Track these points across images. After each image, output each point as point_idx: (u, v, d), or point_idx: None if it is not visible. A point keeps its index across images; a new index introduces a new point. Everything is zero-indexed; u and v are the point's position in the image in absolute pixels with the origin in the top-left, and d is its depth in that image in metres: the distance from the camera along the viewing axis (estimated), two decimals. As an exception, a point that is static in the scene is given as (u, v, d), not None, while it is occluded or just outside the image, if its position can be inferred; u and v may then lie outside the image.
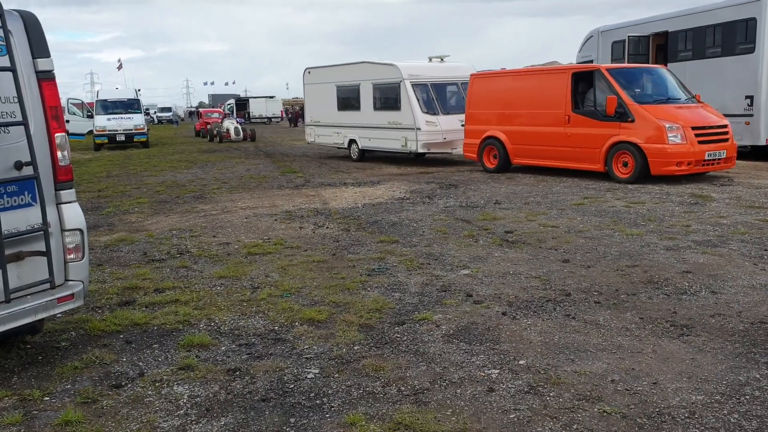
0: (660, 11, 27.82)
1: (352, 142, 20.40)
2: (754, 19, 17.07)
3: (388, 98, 19.07)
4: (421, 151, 17.97)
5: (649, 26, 20.91)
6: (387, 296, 5.92)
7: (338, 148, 21.48)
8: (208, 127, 36.94)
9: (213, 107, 74.70)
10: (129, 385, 4.22)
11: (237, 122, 35.73)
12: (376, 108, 19.49)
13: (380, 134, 19.14)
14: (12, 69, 4.18)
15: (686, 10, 19.82)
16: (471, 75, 17.17)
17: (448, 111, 18.31)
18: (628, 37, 20.82)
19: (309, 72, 22.50)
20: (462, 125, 17.13)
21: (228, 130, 32.54)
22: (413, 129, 17.84)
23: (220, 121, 38.28)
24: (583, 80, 14.25)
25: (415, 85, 18.25)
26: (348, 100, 20.71)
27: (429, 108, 18.12)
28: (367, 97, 19.76)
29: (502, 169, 15.60)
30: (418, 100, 18.05)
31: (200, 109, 52.13)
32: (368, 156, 20.54)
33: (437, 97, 18.48)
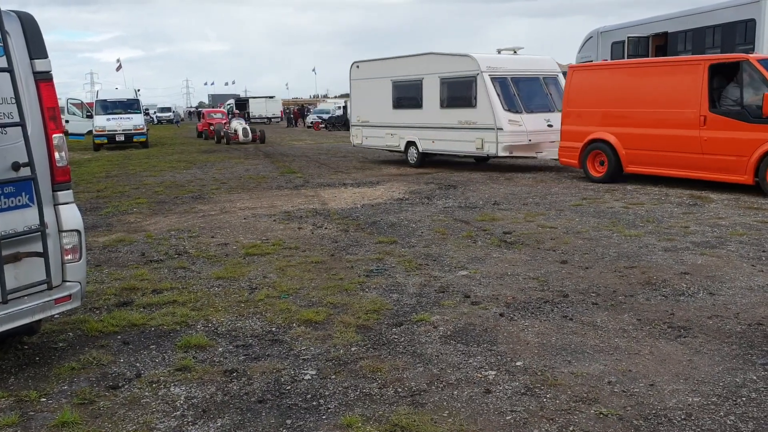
0: (661, 12, 27.84)
1: (410, 144, 18.15)
2: (753, 20, 17.08)
3: (459, 94, 16.78)
4: (502, 154, 15.87)
5: (648, 27, 20.93)
6: (385, 297, 5.92)
7: (391, 151, 19.53)
8: (212, 127, 35.56)
9: (213, 107, 74.76)
10: (126, 386, 4.21)
11: (245, 123, 33.69)
12: (443, 106, 17.12)
13: (448, 135, 16.89)
14: (9, 70, 4.17)
15: (686, 11, 19.85)
16: (570, 67, 14.97)
17: (531, 109, 16.12)
18: (628, 37, 20.83)
19: (357, 66, 20.12)
20: (549, 125, 15.45)
21: (236, 131, 30.63)
22: (492, 129, 15.65)
23: (222, 121, 36.60)
24: (722, 73, 12.08)
25: (494, 79, 15.99)
26: (406, 97, 18.44)
27: (511, 105, 15.92)
28: (431, 94, 17.41)
29: (611, 178, 13.24)
30: (498, 96, 15.80)
31: (202, 110, 48.94)
32: (430, 160, 18.45)
33: (519, 92, 16.25)
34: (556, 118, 15.36)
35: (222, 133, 31.45)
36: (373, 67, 19.72)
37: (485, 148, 16.02)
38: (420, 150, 17.86)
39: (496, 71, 16.19)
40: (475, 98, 16.19)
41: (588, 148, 13.73)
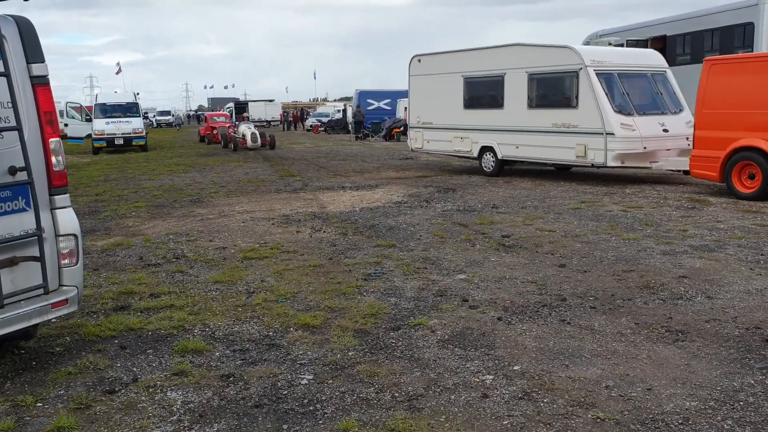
0: (662, 14, 27.90)
1: (485, 150, 15.98)
2: (751, 24, 17.13)
3: (555, 92, 14.69)
4: (612, 164, 13.52)
5: (647, 30, 20.98)
6: (383, 301, 5.91)
7: (460, 157, 17.51)
8: (215, 131, 34.32)
9: (213, 110, 74.68)
10: (123, 391, 4.20)
11: (254, 128, 31.49)
12: (532, 105, 14.91)
13: (537, 140, 14.60)
14: (6, 74, 4.18)
15: (684, 14, 19.92)
16: (706, 60, 12.50)
17: (644, 111, 13.92)
18: (627, 41, 20.86)
19: (419, 60, 17.92)
20: (664, 130, 13.51)
21: (244, 136, 28.45)
22: (599, 134, 13.46)
23: (226, 125, 35.11)
24: None
25: (599, 75, 13.78)
26: (482, 95, 16.34)
27: (621, 106, 13.70)
28: (516, 91, 15.19)
29: (765, 194, 10.88)
30: (606, 95, 13.59)
31: (205, 113, 45.29)
32: (510, 169, 16.42)
33: (627, 91, 14.05)
34: (671, 121, 13.83)
35: (229, 138, 29.87)
36: (438, 61, 17.56)
37: (589, 157, 13.72)
38: (499, 157, 15.62)
39: (601, 66, 13.93)
40: (576, 97, 13.98)
41: (733, 158, 11.29)
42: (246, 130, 29.17)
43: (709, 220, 9.30)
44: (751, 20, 17.17)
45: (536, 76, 14.98)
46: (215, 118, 38.89)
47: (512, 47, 15.73)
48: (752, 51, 17.03)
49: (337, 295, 6.11)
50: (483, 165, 16.16)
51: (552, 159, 14.84)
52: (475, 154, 16.33)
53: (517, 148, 15.23)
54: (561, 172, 16.21)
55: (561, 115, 14.28)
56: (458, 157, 17.65)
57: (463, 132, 16.58)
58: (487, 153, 16.00)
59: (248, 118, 40.00)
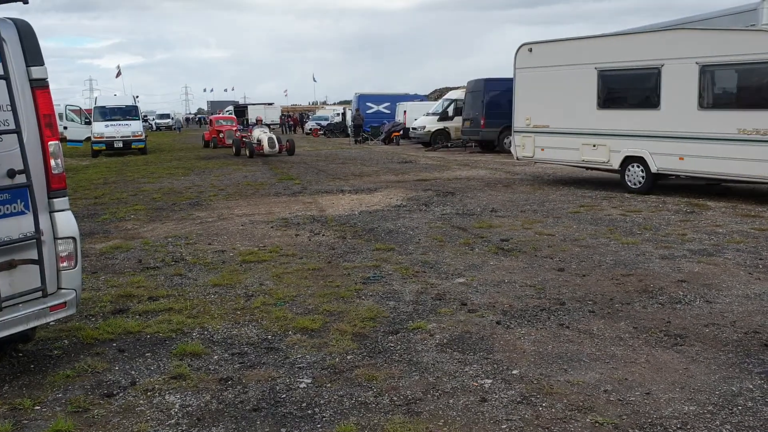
0: (661, 19, 27.95)
1: (631, 161, 12.99)
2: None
3: (745, 89, 11.63)
4: None
5: (645, 35, 20.94)
6: (381, 305, 5.91)
7: (589, 168, 14.56)
8: (221, 135, 32.45)
9: (213, 114, 74.60)
10: (121, 394, 4.20)
11: (270, 132, 28.56)
12: (705, 105, 11.83)
13: (713, 150, 11.47)
14: (5, 77, 4.18)
15: (682, 18, 19.90)
16: None
17: None
18: (625, 45, 20.84)
19: (530, 50, 15.01)
20: None
21: (260, 141, 25.58)
22: None
23: (233, 128, 33.12)
24: None
25: None
26: (626, 92, 13.50)
27: None
28: (680, 87, 12.12)
29: None
30: None
31: (211, 116, 40.73)
32: (666, 184, 13.46)
33: None
34: None
35: (242, 145, 27.15)
36: (559, 50, 14.74)
37: None
38: (652, 169, 12.59)
39: None
40: None
41: None
42: (262, 134, 26.45)
43: (708, 225, 9.30)
44: (751, 23, 17.18)
45: (713, 68, 11.89)
46: (221, 121, 36.54)
47: (675, 32, 12.89)
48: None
49: (335, 298, 6.10)
50: (627, 179, 13.15)
51: (739, 174, 11.56)
52: (616, 165, 13.31)
53: (681, 159, 12.15)
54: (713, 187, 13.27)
55: (753, 118, 11.11)
56: (587, 168, 14.64)
57: (596, 138, 13.53)
58: (634, 165, 12.99)
59: (262, 121, 36.32)
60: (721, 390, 4.04)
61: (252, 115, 61.47)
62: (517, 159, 15.77)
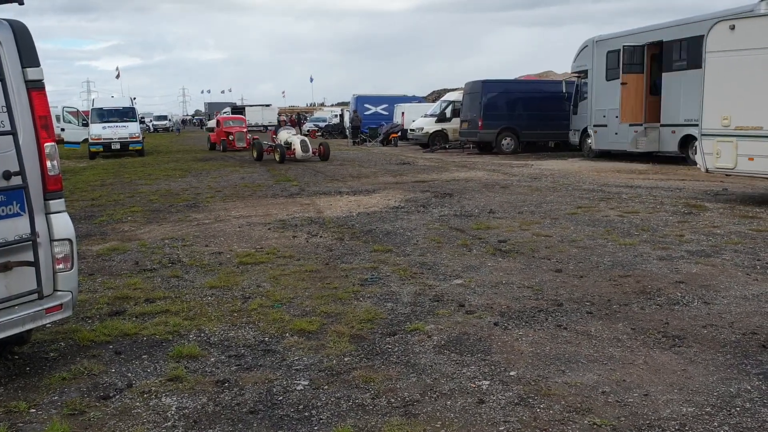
0: (659, 20, 27.90)
1: None
2: (748, 29, 17.10)
3: None
4: None
5: (644, 36, 20.99)
6: (379, 306, 5.89)
7: None
8: (230, 137, 30.40)
9: (210, 115, 74.55)
10: (117, 397, 4.18)
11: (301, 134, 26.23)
12: None
13: None
14: (1, 78, 4.16)
15: (681, 20, 19.92)
16: None
17: None
18: (623, 46, 20.88)
19: (731, 28, 11.71)
20: None
21: (292, 145, 22.91)
22: None
23: (242, 129, 30.95)
24: None
25: None
26: None
27: None
28: None
29: None
30: None
31: (218, 116, 36.36)
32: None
33: None
34: None
35: (267, 151, 24.22)
36: None
37: None
38: None
39: None
40: None
41: None
42: (293, 137, 23.56)
43: (706, 226, 9.30)
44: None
45: None
46: (230, 122, 33.39)
47: None
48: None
49: (333, 300, 6.09)
50: None
51: None
52: None
53: None
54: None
55: None
56: None
57: None
58: None
59: (286, 122, 31.60)
60: (719, 391, 4.03)
61: (249, 116, 61.19)
62: (707, 171, 12.02)
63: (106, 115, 29.83)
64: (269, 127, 63.44)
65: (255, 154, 24.34)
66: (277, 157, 22.99)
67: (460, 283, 6.61)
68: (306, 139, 23.50)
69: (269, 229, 9.90)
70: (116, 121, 29.41)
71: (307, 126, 54.80)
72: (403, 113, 37.91)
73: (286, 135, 24.34)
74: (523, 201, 12.21)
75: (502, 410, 3.86)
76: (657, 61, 20.58)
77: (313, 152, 23.20)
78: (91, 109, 30.97)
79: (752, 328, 5.12)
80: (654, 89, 20.83)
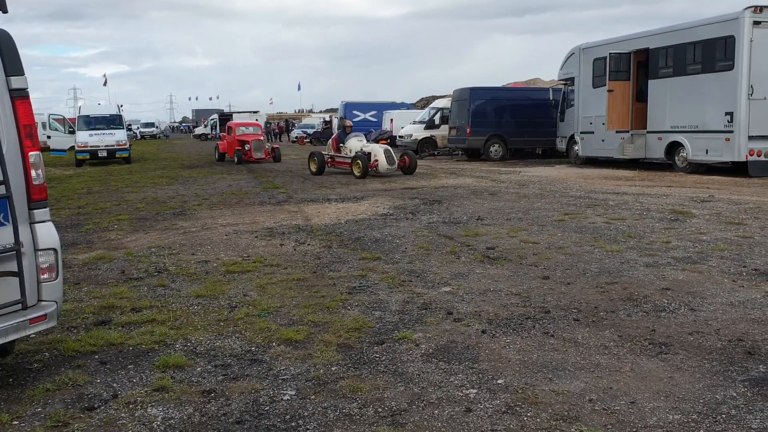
0: (646, 27, 28.10)
1: None
2: (732, 37, 17.34)
3: None
4: None
5: (630, 43, 21.16)
6: (367, 315, 5.88)
7: None
8: (246, 147, 26.53)
9: (197, 122, 74.18)
10: (102, 408, 4.14)
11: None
12: None
13: None
14: (-16, 87, 4.12)
15: (666, 27, 20.11)
16: None
17: None
18: (610, 54, 21.04)
19: None
20: None
21: (375, 157, 19.09)
22: None
23: (259, 137, 27.34)
24: None
25: None
26: None
27: None
28: None
29: None
30: None
31: (230, 123, 31.20)
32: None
33: None
34: None
35: (330, 163, 20.72)
36: None
37: None
38: None
39: None
40: None
41: None
42: (374, 147, 19.87)
43: (692, 232, 9.35)
44: (732, 33, 17.38)
45: None
46: (244, 128, 28.72)
47: None
48: (733, 64, 17.24)
49: (320, 309, 6.07)
50: None
51: None
52: None
53: None
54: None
55: None
56: None
57: None
58: None
59: (352, 126, 22.62)
60: (705, 398, 4.05)
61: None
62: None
63: (92, 122, 29.71)
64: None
65: (314, 168, 20.52)
66: (357, 172, 18.87)
67: (448, 291, 6.61)
68: (390, 149, 19.74)
69: (256, 237, 9.87)
70: (103, 129, 29.30)
71: (296, 133, 54.81)
72: (391, 120, 37.98)
73: (357, 143, 20.16)
74: (511, 208, 12.24)
75: (490, 419, 3.85)
76: (643, 68, 20.75)
77: (399, 164, 19.52)
78: (78, 117, 30.84)
79: (738, 335, 5.15)
80: (640, 96, 21.00)
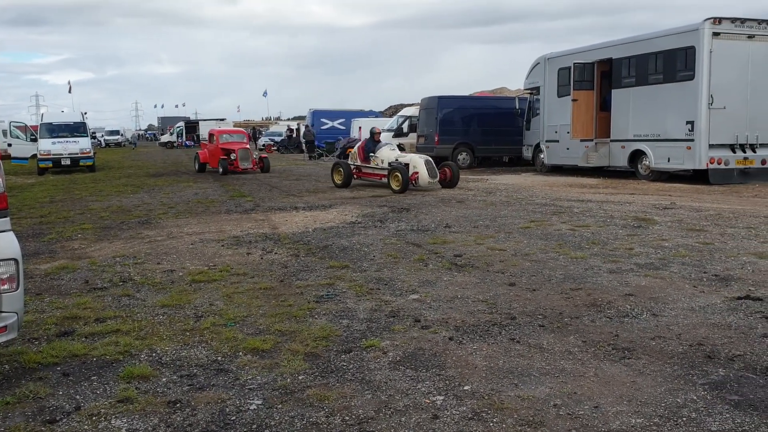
0: (611, 37, 28.54)
1: None
2: (693, 48, 17.75)
3: None
4: None
5: (594, 53, 21.52)
6: (335, 323, 5.87)
7: None
8: (232, 156, 24.70)
9: (163, 129, 73.27)
10: (64, 420, 4.07)
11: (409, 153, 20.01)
12: None
13: None
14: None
15: (629, 38, 20.51)
16: None
17: None
18: (574, 64, 21.37)
19: None
20: None
21: (414, 168, 17.11)
22: None
23: (244, 145, 25.59)
24: None
25: None
26: None
27: None
28: None
29: None
30: None
31: (212, 130, 29.58)
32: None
33: None
34: None
35: (356, 174, 18.88)
36: None
37: None
38: None
39: None
40: None
41: None
42: (414, 158, 17.66)
43: (655, 239, 9.53)
44: (692, 44, 17.79)
45: None
46: (227, 136, 26.79)
47: None
48: (694, 74, 17.64)
49: (287, 318, 6.04)
50: None
51: None
52: None
53: None
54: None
55: None
56: None
57: None
58: None
59: (380, 132, 20.24)
60: (666, 402, 4.12)
61: (203, 130, 59.81)
62: None
63: (55, 129, 29.24)
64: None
65: (340, 180, 18.65)
66: (395, 186, 16.86)
67: (416, 299, 6.64)
68: (431, 159, 17.63)
69: (223, 246, 9.79)
70: (66, 136, 28.84)
71: (263, 140, 54.50)
72: (360, 128, 37.99)
73: (391, 153, 18.19)
74: (479, 215, 12.33)
75: (456, 425, 3.88)
76: (607, 78, 21.11)
77: (441, 178, 17.66)
78: (40, 124, 30.30)
79: (698, 339, 5.26)
80: (604, 105, 21.36)
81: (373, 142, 18.95)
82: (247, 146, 26.00)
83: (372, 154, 18.51)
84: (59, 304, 6.74)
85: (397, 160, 17.66)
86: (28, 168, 30.67)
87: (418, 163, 17.24)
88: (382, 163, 18.03)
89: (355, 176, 18.92)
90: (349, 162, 19.32)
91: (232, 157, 25.04)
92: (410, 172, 17.09)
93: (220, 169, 24.92)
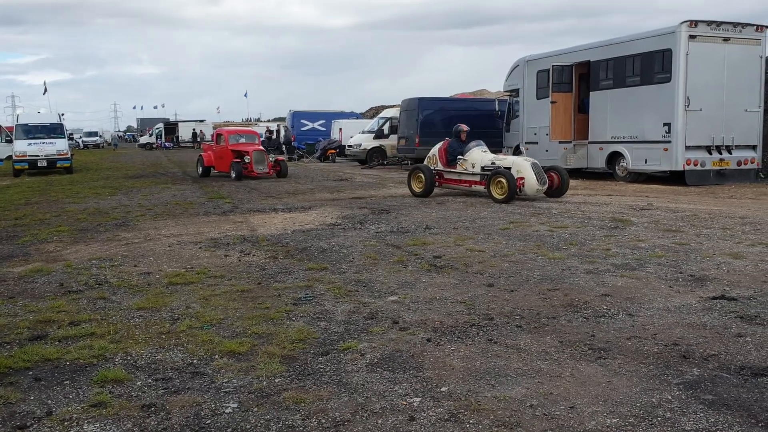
0: (590, 40, 28.77)
1: None
2: (669, 50, 17.94)
3: None
4: None
5: (572, 56, 21.68)
6: (312, 326, 5.84)
7: None
8: (246, 159, 22.35)
9: (141, 131, 72.62)
10: (35, 426, 4.00)
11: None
12: None
13: None
14: None
15: (607, 40, 20.70)
16: None
17: None
18: (553, 66, 21.51)
19: None
20: None
21: (520, 173, 14.59)
22: None
23: (258, 147, 23.21)
24: None
25: None
26: None
27: None
28: None
29: None
30: None
31: (219, 130, 27.31)
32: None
33: None
34: None
35: (440, 181, 16.27)
36: None
37: None
38: None
39: None
40: None
41: None
42: (520, 162, 14.94)
43: (631, 240, 9.60)
44: (669, 47, 17.98)
45: None
46: (239, 137, 24.25)
47: None
48: (670, 76, 17.83)
49: (264, 320, 6.00)
50: None
51: None
52: None
53: None
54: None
55: None
56: None
57: None
58: None
59: (468, 132, 16.67)
60: (641, 402, 4.15)
61: (183, 132, 59.42)
62: None
63: (32, 131, 28.88)
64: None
65: (420, 188, 15.94)
66: (498, 195, 14.44)
67: (394, 300, 6.63)
68: (538, 162, 15.21)
69: (200, 248, 9.72)
70: (43, 138, 28.50)
71: (243, 142, 54.16)
72: (340, 129, 37.97)
73: (483, 155, 15.60)
74: (458, 217, 12.36)
75: (432, 427, 3.87)
76: (585, 80, 21.28)
77: (550, 184, 15.08)
78: (16, 125, 29.93)
79: (674, 339, 5.30)
80: (582, 108, 21.53)
81: (459, 142, 16.35)
82: (261, 148, 23.44)
83: (460, 158, 15.76)
84: (32, 307, 6.64)
85: (493, 163, 15.19)
86: (3, 169, 30.28)
87: (524, 167, 14.52)
88: (473, 167, 15.46)
89: (440, 183, 16.38)
90: (431, 167, 16.37)
91: (246, 160, 22.45)
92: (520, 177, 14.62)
93: (233, 174, 22.31)
